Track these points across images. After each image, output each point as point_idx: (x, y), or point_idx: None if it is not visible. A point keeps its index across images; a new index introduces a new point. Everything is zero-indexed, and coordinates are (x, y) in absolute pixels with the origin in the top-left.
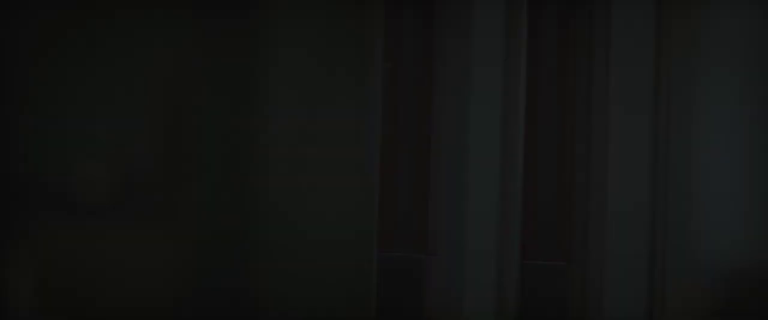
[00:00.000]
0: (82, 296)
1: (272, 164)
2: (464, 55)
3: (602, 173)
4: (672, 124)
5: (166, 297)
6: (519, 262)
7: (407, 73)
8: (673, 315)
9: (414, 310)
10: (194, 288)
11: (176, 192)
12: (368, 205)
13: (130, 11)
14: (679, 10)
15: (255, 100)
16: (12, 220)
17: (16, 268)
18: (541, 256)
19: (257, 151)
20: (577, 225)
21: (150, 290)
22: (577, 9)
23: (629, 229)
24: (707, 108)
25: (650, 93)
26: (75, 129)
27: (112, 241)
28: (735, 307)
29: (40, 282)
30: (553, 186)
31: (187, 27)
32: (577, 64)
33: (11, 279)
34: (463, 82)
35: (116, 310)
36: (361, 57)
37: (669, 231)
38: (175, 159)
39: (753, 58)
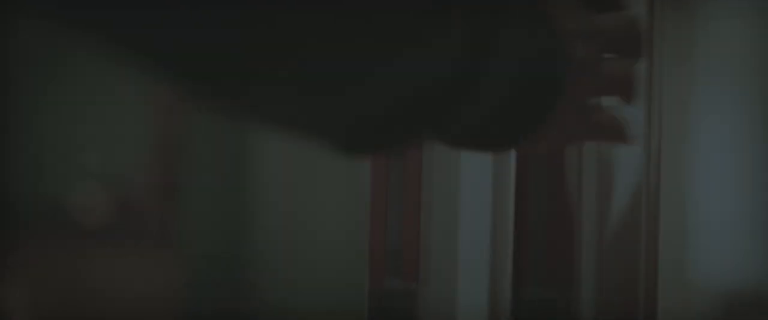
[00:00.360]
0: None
1: (264, 190)
2: None
3: (598, 198)
4: (664, 143)
5: (158, 316)
6: (512, 290)
7: None
8: None
9: None
10: (186, 312)
11: (171, 212)
12: (359, 234)
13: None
14: (671, 14)
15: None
16: (8, 238)
17: (12, 287)
18: (535, 284)
19: (250, 176)
20: (571, 251)
21: (142, 311)
22: None
23: (623, 255)
24: (703, 124)
25: (643, 113)
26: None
27: (109, 264)
28: None
29: (36, 302)
30: (546, 212)
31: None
32: None
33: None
34: None
35: None
36: None
37: (664, 258)
38: (170, 178)
39: (750, 64)
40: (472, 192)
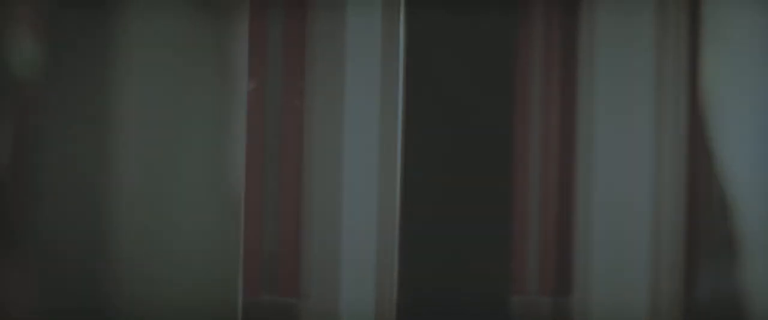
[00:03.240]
0: None
1: (122, 194)
2: (339, 72)
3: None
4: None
5: None
6: (398, 302)
7: (275, 95)
8: None
9: None
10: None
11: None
12: (232, 244)
13: None
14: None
15: (105, 125)
16: None
17: None
18: (423, 292)
19: (106, 179)
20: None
21: None
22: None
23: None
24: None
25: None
26: None
27: None
28: None
29: None
30: (436, 216)
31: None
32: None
33: None
34: (336, 102)
35: None
36: (222, 77)
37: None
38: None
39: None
40: (356, 196)
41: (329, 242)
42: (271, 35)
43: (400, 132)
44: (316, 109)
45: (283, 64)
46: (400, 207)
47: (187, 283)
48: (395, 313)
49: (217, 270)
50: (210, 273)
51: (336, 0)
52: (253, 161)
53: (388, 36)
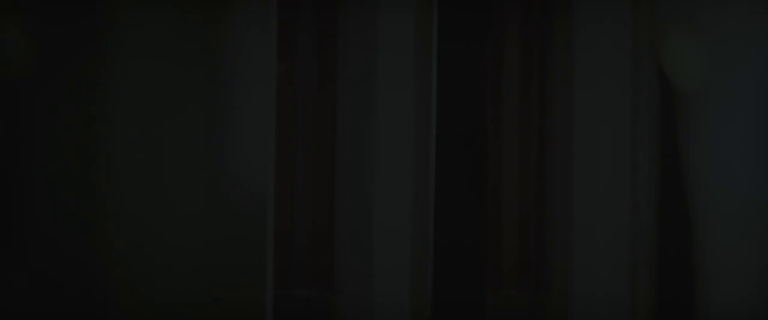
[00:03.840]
0: None
1: (151, 186)
2: (369, 62)
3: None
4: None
5: None
6: (432, 299)
7: (305, 84)
8: None
9: None
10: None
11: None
12: (260, 237)
13: None
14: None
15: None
16: None
17: None
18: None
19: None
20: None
21: None
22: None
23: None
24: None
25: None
26: None
27: None
28: None
29: None
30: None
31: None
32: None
33: None
34: (367, 89)
35: None
36: (250, 66)
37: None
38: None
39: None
40: (390, 187)
41: (362, 234)
42: (301, 18)
43: (434, 122)
44: (348, 97)
45: (313, 49)
46: (435, 199)
47: (215, 276)
48: (430, 307)
49: (247, 263)
50: (239, 266)
51: None
52: (284, 152)
53: (421, 22)
